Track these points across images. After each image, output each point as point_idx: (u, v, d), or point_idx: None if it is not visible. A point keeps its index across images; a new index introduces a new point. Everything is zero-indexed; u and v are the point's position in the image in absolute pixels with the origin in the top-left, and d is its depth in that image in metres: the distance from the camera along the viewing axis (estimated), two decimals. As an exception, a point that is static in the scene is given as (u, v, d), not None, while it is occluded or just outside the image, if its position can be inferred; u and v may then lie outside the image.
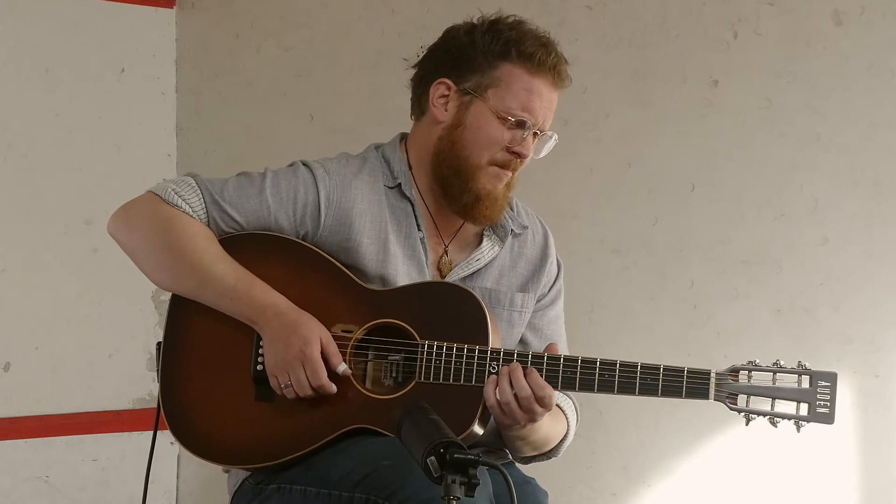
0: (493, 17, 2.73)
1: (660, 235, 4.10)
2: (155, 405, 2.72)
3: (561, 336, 2.88)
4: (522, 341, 2.82)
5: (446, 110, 2.70)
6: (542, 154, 2.75)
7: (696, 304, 4.08)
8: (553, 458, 2.82)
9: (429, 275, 2.74)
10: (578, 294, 4.09)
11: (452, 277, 2.75)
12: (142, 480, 2.76)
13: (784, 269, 4.01)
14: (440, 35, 2.77)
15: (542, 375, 2.55)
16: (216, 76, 4.36)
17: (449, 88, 2.70)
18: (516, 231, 2.82)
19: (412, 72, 2.80)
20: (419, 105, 2.77)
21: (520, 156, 2.70)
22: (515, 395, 2.53)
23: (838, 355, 3.91)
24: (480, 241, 2.80)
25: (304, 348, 2.57)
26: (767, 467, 3.97)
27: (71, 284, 4.18)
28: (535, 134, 2.71)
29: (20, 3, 4.11)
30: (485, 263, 2.77)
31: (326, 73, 4.30)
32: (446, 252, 2.78)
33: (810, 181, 3.98)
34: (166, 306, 2.73)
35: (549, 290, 2.87)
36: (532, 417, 2.56)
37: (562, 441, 2.79)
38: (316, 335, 2.59)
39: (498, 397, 2.54)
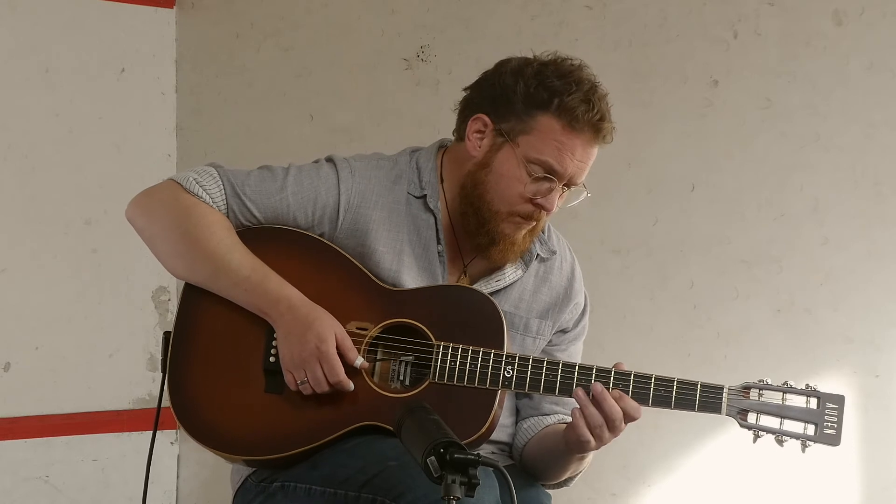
0: (546, 59, 2.66)
1: (660, 235, 4.09)
2: (155, 405, 2.71)
3: None
4: None
5: (479, 146, 2.66)
6: (571, 204, 2.69)
7: (696, 304, 4.07)
8: (565, 487, 2.81)
9: None
10: (578, 294, 4.10)
11: None
12: (142, 480, 2.75)
13: (784, 269, 4.01)
14: (494, 64, 2.70)
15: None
16: (216, 76, 4.36)
17: (485, 125, 2.65)
18: (543, 256, 2.78)
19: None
20: (459, 130, 2.72)
21: (543, 208, 2.65)
22: (606, 419, 2.53)
23: (838, 355, 3.91)
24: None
25: (321, 345, 2.56)
26: (767, 467, 3.97)
27: (71, 284, 4.18)
28: (564, 186, 2.65)
29: (20, 3, 4.10)
30: (505, 285, 2.75)
31: (326, 73, 4.30)
32: (465, 270, 2.75)
33: (810, 181, 3.98)
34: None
35: (573, 326, 2.85)
36: (616, 435, 2.56)
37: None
38: (331, 331, 2.58)
39: (589, 422, 2.53)
